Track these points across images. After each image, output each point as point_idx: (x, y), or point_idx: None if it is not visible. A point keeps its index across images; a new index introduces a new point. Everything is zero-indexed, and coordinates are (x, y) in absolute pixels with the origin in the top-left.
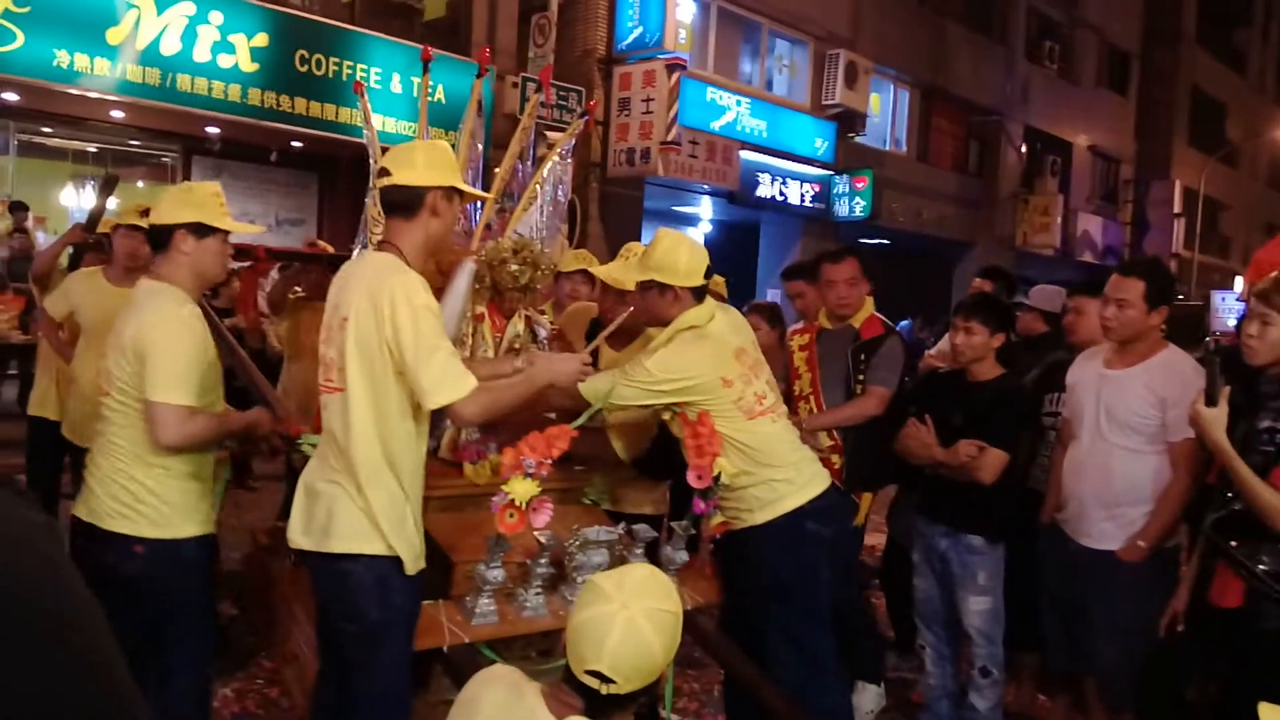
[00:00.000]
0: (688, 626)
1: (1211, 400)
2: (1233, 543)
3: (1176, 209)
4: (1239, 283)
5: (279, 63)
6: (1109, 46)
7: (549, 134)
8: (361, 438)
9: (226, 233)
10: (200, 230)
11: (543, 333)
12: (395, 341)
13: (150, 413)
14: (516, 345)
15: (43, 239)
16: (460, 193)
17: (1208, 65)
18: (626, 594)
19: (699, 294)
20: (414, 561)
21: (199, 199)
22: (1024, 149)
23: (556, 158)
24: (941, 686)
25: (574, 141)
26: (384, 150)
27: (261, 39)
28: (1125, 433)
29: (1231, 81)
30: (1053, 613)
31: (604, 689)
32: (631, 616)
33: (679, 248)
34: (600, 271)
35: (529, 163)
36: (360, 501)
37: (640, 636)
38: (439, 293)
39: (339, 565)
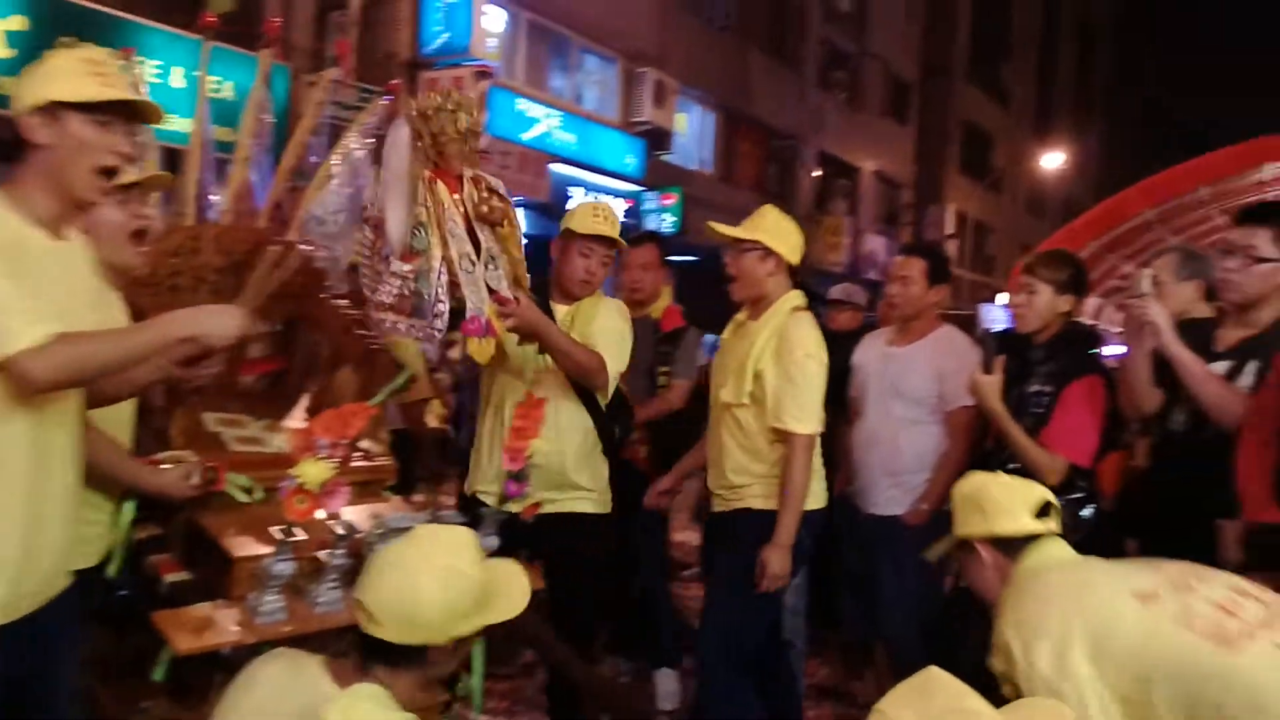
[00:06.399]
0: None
1: (988, 370)
2: None
3: (950, 231)
4: (1001, 296)
5: (39, 50)
6: (893, 78)
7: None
8: None
9: None
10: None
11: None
12: None
13: None
14: (485, 209)
15: None
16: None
17: (976, 98)
18: (432, 546)
19: (791, 276)
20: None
21: None
22: (816, 173)
23: (355, 137)
24: None
25: (374, 121)
26: None
27: (18, 22)
28: (909, 406)
29: (997, 114)
30: (846, 585)
31: (368, 627)
32: (414, 561)
33: (790, 223)
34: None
35: (324, 138)
36: None
37: (410, 578)
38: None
39: None
